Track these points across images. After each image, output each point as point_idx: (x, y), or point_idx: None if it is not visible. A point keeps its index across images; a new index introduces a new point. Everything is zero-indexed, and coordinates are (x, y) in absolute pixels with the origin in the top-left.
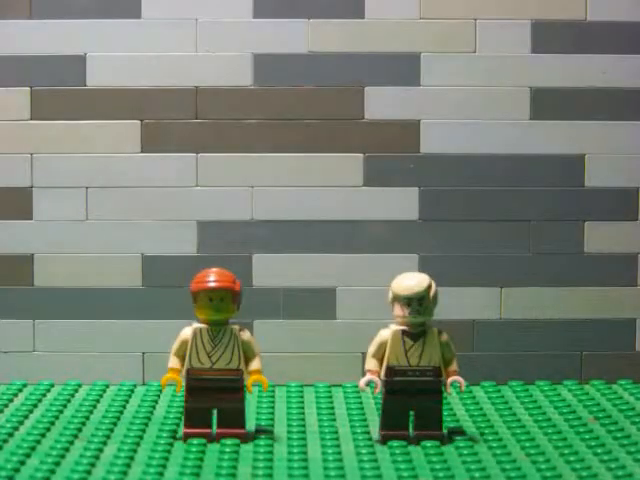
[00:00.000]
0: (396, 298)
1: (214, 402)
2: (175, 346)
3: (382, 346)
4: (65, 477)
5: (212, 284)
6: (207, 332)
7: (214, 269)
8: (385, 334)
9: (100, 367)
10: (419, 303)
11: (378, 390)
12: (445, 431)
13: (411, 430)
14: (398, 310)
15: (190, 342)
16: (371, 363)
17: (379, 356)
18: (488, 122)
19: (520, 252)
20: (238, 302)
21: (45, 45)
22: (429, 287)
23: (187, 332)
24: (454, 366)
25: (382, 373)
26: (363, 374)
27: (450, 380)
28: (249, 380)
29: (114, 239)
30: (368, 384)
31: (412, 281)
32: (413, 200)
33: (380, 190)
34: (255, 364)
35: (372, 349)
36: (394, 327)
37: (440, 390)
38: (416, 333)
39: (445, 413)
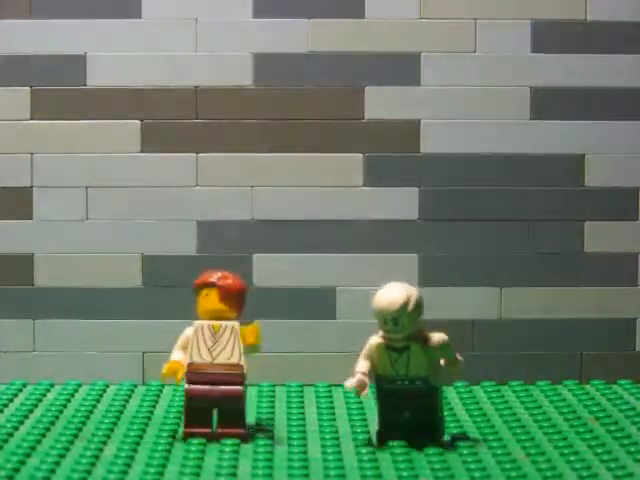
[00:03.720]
0: (375, 313)
1: (214, 400)
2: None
3: (370, 350)
4: (65, 477)
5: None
6: (208, 328)
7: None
8: (372, 343)
9: (100, 367)
10: (394, 322)
11: (366, 392)
12: (444, 431)
13: (407, 431)
14: (379, 324)
15: (192, 338)
16: (362, 365)
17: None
18: (488, 122)
19: (520, 252)
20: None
21: (45, 45)
22: (404, 306)
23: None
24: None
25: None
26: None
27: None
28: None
29: (114, 239)
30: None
31: (385, 301)
32: (413, 200)
33: (380, 190)
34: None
35: (365, 351)
36: (378, 339)
37: (434, 392)
38: (400, 346)
39: (445, 413)
